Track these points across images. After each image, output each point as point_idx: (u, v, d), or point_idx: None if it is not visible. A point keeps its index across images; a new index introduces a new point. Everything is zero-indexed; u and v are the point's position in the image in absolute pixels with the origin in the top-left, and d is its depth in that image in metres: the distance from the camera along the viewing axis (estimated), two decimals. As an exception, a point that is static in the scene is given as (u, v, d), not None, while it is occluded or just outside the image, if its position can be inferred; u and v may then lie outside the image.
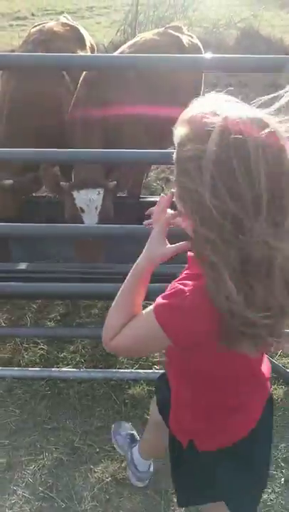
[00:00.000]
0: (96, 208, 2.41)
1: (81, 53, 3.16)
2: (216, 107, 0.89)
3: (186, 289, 1.01)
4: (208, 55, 2.06)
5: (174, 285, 1.04)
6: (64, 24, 3.28)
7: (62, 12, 13.19)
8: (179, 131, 0.92)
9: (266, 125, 0.85)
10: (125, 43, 7.78)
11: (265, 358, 1.29)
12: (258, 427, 1.26)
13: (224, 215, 0.84)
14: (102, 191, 2.41)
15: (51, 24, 3.20)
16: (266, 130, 0.84)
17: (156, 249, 1.14)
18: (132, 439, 2.03)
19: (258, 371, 1.24)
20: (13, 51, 7.69)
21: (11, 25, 11.45)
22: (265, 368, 1.28)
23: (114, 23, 10.16)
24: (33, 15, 12.75)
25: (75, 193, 2.40)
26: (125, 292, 1.16)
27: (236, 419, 1.23)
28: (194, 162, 0.86)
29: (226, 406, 1.22)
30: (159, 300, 1.04)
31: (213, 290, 0.90)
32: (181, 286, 1.02)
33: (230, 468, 1.27)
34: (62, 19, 3.43)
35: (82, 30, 3.38)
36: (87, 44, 3.35)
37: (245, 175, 0.82)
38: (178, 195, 0.95)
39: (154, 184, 4.27)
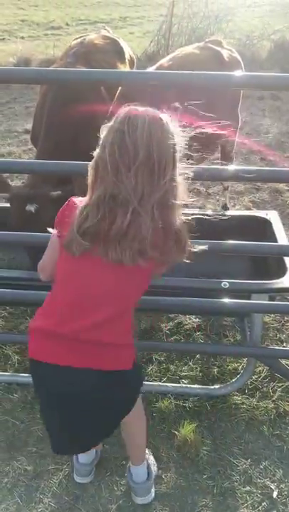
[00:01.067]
0: None
1: (120, 65, 3.19)
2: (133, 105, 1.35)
3: (73, 199, 1.47)
4: (238, 73, 2.06)
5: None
6: (104, 37, 3.32)
7: (96, 22, 13.45)
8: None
9: (155, 115, 1.30)
10: (159, 53, 7.90)
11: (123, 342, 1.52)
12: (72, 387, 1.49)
13: (112, 164, 1.27)
14: None
15: (92, 37, 3.25)
16: (156, 116, 1.30)
17: None
18: None
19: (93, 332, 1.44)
20: (49, 60, 7.86)
21: (46, 35, 11.71)
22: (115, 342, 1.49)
23: (148, 34, 10.28)
24: (67, 25, 13.03)
25: None
26: None
27: (43, 340, 1.50)
28: (107, 131, 1.32)
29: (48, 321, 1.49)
30: None
31: (80, 210, 1.36)
32: (73, 198, 1.48)
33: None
34: (103, 32, 3.47)
35: (122, 43, 3.42)
36: (127, 56, 3.39)
37: (130, 142, 1.26)
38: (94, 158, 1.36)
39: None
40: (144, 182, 1.26)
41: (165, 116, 1.32)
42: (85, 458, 2.01)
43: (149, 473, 1.96)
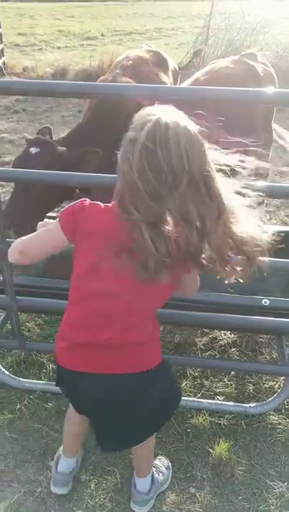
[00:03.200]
0: None
1: (164, 76, 3.30)
2: (157, 111, 1.19)
3: (87, 201, 1.39)
4: (269, 90, 2.04)
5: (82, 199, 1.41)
6: (148, 50, 3.48)
7: (131, 33, 13.63)
8: (132, 121, 1.21)
9: (187, 129, 1.16)
10: (194, 65, 7.88)
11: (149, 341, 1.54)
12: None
13: (146, 187, 1.13)
14: None
15: (136, 51, 3.41)
16: (188, 129, 1.16)
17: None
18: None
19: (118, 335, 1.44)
20: (85, 70, 7.99)
21: (82, 45, 11.91)
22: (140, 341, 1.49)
23: (182, 45, 10.33)
24: (102, 35, 13.23)
25: None
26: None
27: (69, 349, 1.52)
28: (131, 143, 1.16)
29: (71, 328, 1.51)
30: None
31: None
32: (85, 199, 1.39)
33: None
34: (145, 46, 3.63)
35: (165, 55, 3.55)
36: (170, 67, 3.50)
37: (167, 167, 1.12)
38: (117, 168, 1.22)
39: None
40: (197, 203, 1.16)
41: (192, 126, 1.19)
42: (64, 467, 2.02)
43: (152, 486, 1.95)
